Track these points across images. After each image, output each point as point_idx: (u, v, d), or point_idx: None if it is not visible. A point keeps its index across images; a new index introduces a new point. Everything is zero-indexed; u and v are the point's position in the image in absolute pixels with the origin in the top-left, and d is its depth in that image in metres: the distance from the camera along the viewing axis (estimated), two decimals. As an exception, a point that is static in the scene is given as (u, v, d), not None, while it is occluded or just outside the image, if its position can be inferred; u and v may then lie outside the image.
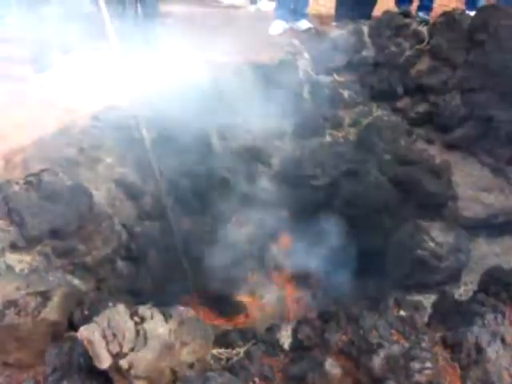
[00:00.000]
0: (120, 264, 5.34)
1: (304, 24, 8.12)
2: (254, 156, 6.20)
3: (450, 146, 7.48)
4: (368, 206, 6.02)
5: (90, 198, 4.91)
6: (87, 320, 2.69)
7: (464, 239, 5.82)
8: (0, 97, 6.52)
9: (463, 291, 5.80)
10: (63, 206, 4.60)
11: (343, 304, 2.84)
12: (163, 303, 5.56)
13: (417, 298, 5.69)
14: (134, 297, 5.56)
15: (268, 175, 6.18)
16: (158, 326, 2.45)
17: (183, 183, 6.23)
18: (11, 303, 2.97)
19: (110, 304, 2.74)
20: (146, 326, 2.42)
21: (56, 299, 2.94)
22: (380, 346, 2.45)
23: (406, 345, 2.46)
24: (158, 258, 5.85)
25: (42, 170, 4.83)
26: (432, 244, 5.60)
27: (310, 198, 6.17)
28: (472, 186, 7.01)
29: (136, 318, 2.46)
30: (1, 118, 6.09)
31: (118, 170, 5.67)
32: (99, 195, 5.26)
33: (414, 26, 7.35)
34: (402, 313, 2.65)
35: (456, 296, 5.74)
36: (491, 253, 6.36)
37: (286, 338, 4.55)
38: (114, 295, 5.08)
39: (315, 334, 2.64)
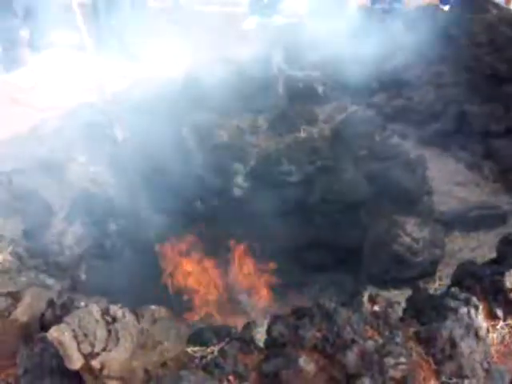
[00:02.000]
0: (94, 263, 5.30)
1: (278, 19, 8.10)
2: (228, 153, 6.15)
3: (425, 141, 7.50)
4: (344, 202, 6.00)
5: (61, 198, 4.86)
6: (59, 321, 2.64)
7: (439, 234, 5.83)
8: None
9: (438, 285, 5.80)
10: (34, 206, 4.54)
11: (317, 300, 2.81)
12: (138, 302, 5.61)
13: (393, 292, 5.72)
14: (109, 296, 5.53)
15: (243, 172, 6.13)
16: (129, 326, 2.41)
17: (157, 181, 6.19)
18: None
19: (82, 304, 2.69)
20: (118, 325, 2.39)
21: (27, 300, 2.88)
22: (354, 341, 2.44)
23: (380, 340, 2.45)
24: (133, 257, 5.81)
25: (13, 170, 4.77)
26: (407, 239, 5.60)
27: (285, 195, 6.13)
28: (447, 180, 7.04)
29: (107, 318, 2.42)
30: (-30, 117, 6.01)
31: (91, 168, 5.61)
32: (73, 194, 5.21)
33: (388, 21, 7.36)
34: (376, 308, 2.64)
35: (431, 291, 5.79)
36: (466, 247, 6.37)
37: (262, 334, 4.54)
38: (87, 295, 5.07)
39: (289, 331, 2.61)
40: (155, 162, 6.13)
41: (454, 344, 2.49)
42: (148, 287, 5.64)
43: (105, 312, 2.44)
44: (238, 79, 6.44)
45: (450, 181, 7.10)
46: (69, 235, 4.88)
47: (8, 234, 4.36)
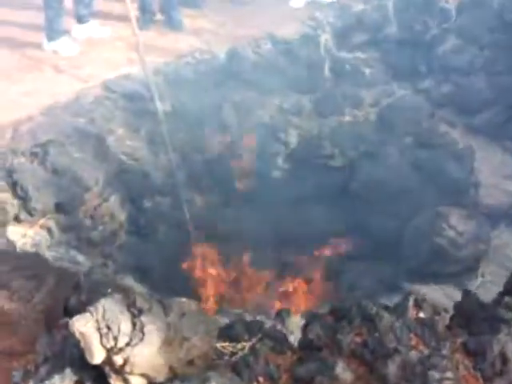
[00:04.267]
0: (127, 240, 5.19)
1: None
2: (269, 133, 5.97)
3: (473, 130, 7.25)
4: (386, 189, 5.79)
5: (97, 172, 4.75)
6: (84, 307, 2.51)
7: (485, 228, 5.59)
8: (13, 64, 6.34)
9: (480, 283, 5.59)
10: (69, 179, 4.44)
11: (358, 300, 2.63)
12: (170, 280, 5.50)
13: (433, 287, 5.52)
14: (141, 273, 5.43)
15: (284, 154, 5.96)
16: (156, 319, 2.26)
17: (196, 159, 6.06)
18: (3, 286, 2.78)
19: (109, 290, 2.55)
20: (144, 318, 2.23)
21: (51, 282, 2.74)
22: (396, 351, 2.26)
23: (425, 351, 2.27)
24: (167, 234, 5.69)
25: (49, 141, 4.66)
26: (451, 232, 5.38)
27: (326, 180, 5.94)
28: (494, 172, 6.78)
29: (133, 310, 2.27)
30: (12, 85, 5.92)
31: (128, 143, 5.49)
32: (108, 168, 5.09)
33: (442, 3, 7.06)
34: (422, 315, 2.45)
35: (473, 288, 5.57)
36: (512, 243, 6.15)
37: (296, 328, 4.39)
38: (119, 273, 4.97)
39: (326, 334, 2.44)
40: (195, 139, 6.00)
41: (505, 359, 2.30)
42: (177, 268, 5.52)
43: (131, 303, 2.29)
44: (284, 58, 6.24)
45: (497, 173, 6.84)
46: (103, 210, 4.77)
47: (40, 207, 4.26)
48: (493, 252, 5.85)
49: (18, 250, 3.98)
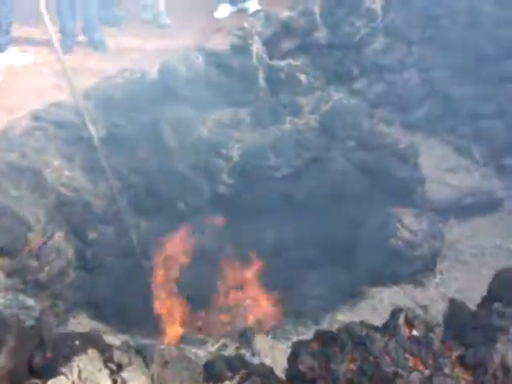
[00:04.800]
0: (76, 276, 4.93)
1: (252, 5, 7.70)
2: (210, 149, 5.80)
3: (410, 127, 7.30)
4: (335, 195, 5.71)
5: (37, 208, 4.48)
6: (51, 364, 2.30)
7: (437, 224, 5.61)
8: None
9: (439, 280, 5.59)
10: (9, 219, 4.16)
11: (344, 324, 2.49)
12: (124, 311, 5.27)
13: (394, 289, 5.49)
14: (93, 308, 5.17)
15: (227, 169, 5.79)
16: (138, 373, 2.06)
17: (136, 182, 5.83)
18: None
19: (77, 342, 2.35)
20: (125, 374, 2.04)
21: (11, 342, 2.46)
22: (397, 374, 2.14)
23: (426, 371, 2.16)
24: (115, 264, 5.45)
25: (-17, 181, 4.37)
26: (406, 232, 5.36)
27: (272, 190, 5.82)
28: (437, 167, 6.84)
29: (111, 365, 2.08)
30: None
31: (66, 173, 5.22)
32: (48, 203, 4.81)
33: (368, 3, 7.05)
34: (415, 332, 2.34)
35: (432, 286, 5.57)
36: (462, 236, 6.18)
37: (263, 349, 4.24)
38: (71, 311, 4.71)
39: (318, 362, 2.30)
40: (134, 161, 5.77)
41: (506, 369, 2.21)
42: (132, 297, 5.30)
43: (108, 358, 2.09)
44: (216, 70, 6.08)
45: (439, 167, 6.90)
46: (48, 249, 4.50)
47: (-19, 254, 3.97)
48: (446, 248, 5.88)
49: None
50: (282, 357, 3.79)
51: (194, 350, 4.65)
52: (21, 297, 4.03)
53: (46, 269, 4.42)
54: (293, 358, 2.44)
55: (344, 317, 5.23)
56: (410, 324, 2.37)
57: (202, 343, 4.94)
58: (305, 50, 7.02)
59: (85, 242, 5.15)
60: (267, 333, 4.85)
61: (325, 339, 2.45)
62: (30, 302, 4.04)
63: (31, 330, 2.52)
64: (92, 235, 5.24)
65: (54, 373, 2.25)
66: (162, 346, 2.32)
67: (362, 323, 2.43)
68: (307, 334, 4.65)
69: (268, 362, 3.32)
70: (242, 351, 4.28)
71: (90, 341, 2.42)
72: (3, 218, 4.15)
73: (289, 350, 3.35)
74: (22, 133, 5.31)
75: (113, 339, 4.31)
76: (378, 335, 2.29)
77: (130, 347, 2.27)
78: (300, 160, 5.83)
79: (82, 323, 4.95)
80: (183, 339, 5.02)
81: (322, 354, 2.34)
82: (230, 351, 4.45)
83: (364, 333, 2.33)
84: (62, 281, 4.67)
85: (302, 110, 6.05)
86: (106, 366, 2.06)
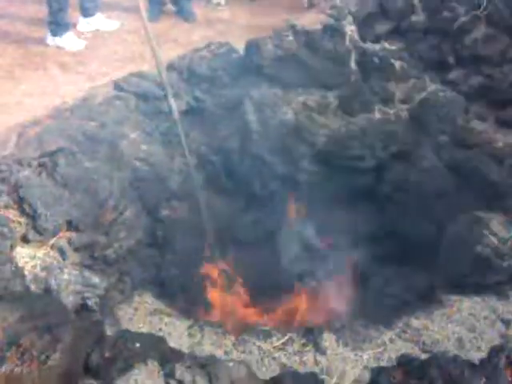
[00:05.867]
0: (144, 254, 4.79)
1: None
2: (294, 133, 5.56)
3: (506, 124, 6.85)
4: (420, 193, 5.39)
5: (110, 183, 4.34)
6: (109, 365, 2.13)
7: (529, 235, 5.21)
8: (16, 61, 5.94)
9: (526, 293, 5.21)
10: (81, 193, 4.03)
11: (434, 354, 2.22)
12: (190, 293, 5.13)
13: (475, 299, 5.13)
14: (159, 287, 5.05)
15: (310, 155, 5.54)
16: (202, 395, 1.86)
17: (214, 160, 5.67)
18: (11, 343, 2.32)
19: (138, 345, 2.16)
20: (187, 394, 1.84)
21: (68, 338, 2.29)
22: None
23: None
24: (185, 243, 5.31)
25: (58, 150, 4.24)
26: (494, 239, 4.99)
27: (355, 182, 5.55)
28: (534, 170, 6.39)
29: (172, 382, 1.88)
30: (16, 84, 5.52)
31: (143, 147, 5.08)
32: (122, 177, 4.68)
33: (471, -13, 6.61)
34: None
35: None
36: (557, 249, 5.75)
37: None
38: (136, 289, 4.58)
39: (400, 400, 2.05)
40: (213, 139, 5.61)
41: None
42: (195, 278, 5.17)
43: (168, 374, 1.89)
44: (306, 50, 5.80)
45: (537, 171, 6.45)
46: (118, 225, 4.37)
47: (50, 226, 3.85)
48: (537, 260, 5.47)
49: (26, 272, 3.59)
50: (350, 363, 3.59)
51: (258, 344, 4.45)
52: (86, 273, 3.91)
53: (115, 245, 4.29)
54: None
55: (419, 323, 4.93)
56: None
57: (267, 336, 4.75)
58: (400, 34, 6.65)
59: (156, 219, 5.01)
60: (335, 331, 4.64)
61: (409, 369, 2.19)
62: (95, 279, 3.91)
63: (89, 324, 2.35)
64: (164, 212, 5.11)
65: (110, 375, 2.09)
66: (230, 363, 2.10)
67: (455, 358, 2.15)
68: (376, 340, 4.37)
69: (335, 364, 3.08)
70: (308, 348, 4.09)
71: (152, 344, 2.24)
72: (75, 191, 4.03)
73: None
74: (102, 102, 5.20)
75: (177, 324, 4.19)
76: (473, 376, 2.01)
77: (195, 361, 2.05)
78: (387, 152, 5.52)
79: (146, 302, 4.83)
80: (247, 330, 4.84)
81: (404, 387, 2.09)
82: (295, 347, 4.26)
83: (457, 371, 2.05)
84: (131, 258, 4.53)
85: (393, 99, 5.71)
86: (167, 383, 1.87)
